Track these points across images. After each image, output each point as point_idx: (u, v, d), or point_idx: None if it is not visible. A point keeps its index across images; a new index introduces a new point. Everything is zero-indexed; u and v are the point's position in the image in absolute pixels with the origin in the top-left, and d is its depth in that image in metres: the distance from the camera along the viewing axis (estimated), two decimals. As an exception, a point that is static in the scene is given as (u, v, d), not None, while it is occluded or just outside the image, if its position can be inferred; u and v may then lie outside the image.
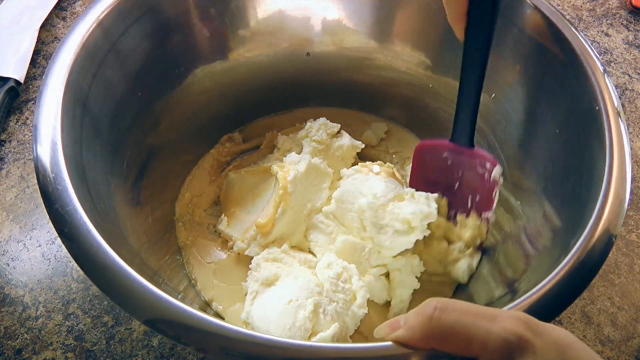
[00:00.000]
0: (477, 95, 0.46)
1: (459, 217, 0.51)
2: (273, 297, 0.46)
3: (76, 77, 0.41)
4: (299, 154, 0.57)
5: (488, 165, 0.48)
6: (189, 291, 0.51)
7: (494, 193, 0.48)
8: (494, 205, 0.48)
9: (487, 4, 0.41)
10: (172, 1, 0.49)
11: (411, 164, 0.54)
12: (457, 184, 0.50)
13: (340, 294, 0.46)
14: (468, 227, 0.50)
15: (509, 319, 0.28)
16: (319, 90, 0.63)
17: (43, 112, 0.38)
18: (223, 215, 0.57)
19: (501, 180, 0.48)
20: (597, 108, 0.41)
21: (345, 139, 0.59)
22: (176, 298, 0.32)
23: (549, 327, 0.28)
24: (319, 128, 0.59)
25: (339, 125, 0.60)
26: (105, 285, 0.33)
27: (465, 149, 0.49)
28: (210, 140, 0.62)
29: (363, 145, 0.60)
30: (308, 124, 0.60)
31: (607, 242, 0.36)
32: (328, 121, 0.60)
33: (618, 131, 0.40)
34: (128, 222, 0.45)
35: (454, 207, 0.51)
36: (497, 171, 0.47)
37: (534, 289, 0.35)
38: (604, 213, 0.37)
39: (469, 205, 0.50)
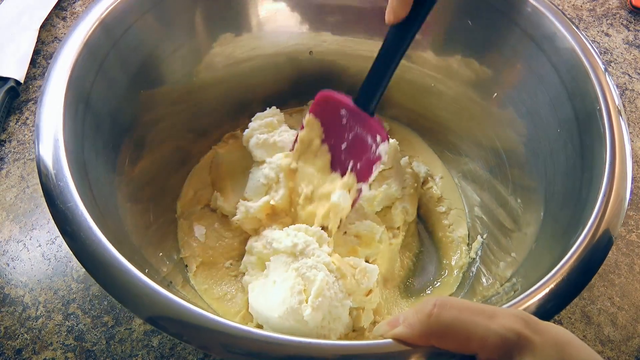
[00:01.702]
0: (394, 64, 0.43)
1: (334, 175, 0.50)
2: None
3: (78, 74, 0.41)
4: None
5: (378, 138, 0.46)
6: (188, 288, 0.51)
7: (374, 167, 0.46)
8: (370, 179, 0.47)
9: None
10: (174, 0, 0.49)
11: (311, 105, 0.51)
12: (344, 145, 0.49)
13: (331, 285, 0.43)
14: (339, 183, 0.48)
15: (508, 316, 0.28)
16: (321, 89, 0.63)
17: (45, 110, 0.38)
18: (215, 192, 0.57)
19: (385, 158, 0.46)
20: (598, 107, 0.42)
21: None
22: (177, 295, 0.32)
23: (548, 325, 0.28)
24: None
25: None
26: (107, 282, 0.33)
27: (364, 115, 0.46)
28: (213, 137, 0.62)
29: None
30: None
31: (607, 241, 0.37)
32: None
33: (619, 130, 0.40)
34: (129, 219, 0.45)
35: (334, 165, 0.50)
36: (383, 148, 0.46)
37: (534, 287, 0.35)
38: (605, 212, 0.37)
39: (349, 168, 0.48)
